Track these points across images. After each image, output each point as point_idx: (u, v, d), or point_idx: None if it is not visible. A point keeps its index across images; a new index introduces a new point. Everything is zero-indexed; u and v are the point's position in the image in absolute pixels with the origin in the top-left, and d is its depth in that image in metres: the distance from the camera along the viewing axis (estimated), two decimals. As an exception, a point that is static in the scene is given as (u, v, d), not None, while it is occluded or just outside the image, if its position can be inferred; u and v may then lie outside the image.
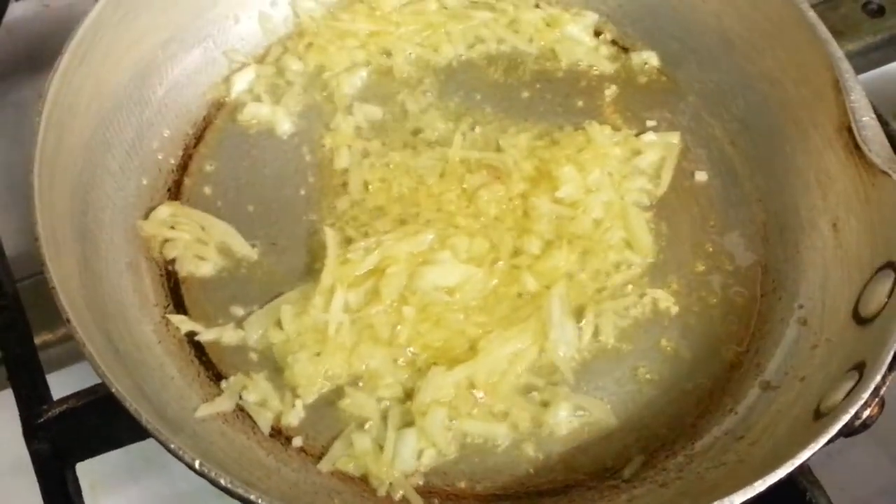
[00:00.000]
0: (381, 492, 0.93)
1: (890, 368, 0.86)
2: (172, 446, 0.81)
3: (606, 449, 0.97)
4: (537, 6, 1.29)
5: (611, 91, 1.22)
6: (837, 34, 1.11)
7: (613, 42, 1.27)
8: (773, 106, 1.15)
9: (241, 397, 0.98)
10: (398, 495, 0.93)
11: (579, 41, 1.26)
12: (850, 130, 1.01)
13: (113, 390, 0.82)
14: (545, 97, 1.22)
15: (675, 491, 0.93)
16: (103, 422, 0.94)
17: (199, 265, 1.06)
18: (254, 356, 1.01)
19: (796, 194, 1.10)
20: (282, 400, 0.98)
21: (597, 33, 1.28)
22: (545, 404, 0.98)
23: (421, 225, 1.08)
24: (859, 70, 1.20)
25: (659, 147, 1.17)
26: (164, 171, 1.13)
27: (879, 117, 1.02)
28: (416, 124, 1.18)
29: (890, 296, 0.92)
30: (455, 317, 1.02)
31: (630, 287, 1.06)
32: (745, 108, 1.18)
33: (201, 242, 1.07)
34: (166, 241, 1.07)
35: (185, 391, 0.97)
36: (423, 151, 1.15)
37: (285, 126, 1.17)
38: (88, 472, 1.00)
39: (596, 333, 1.03)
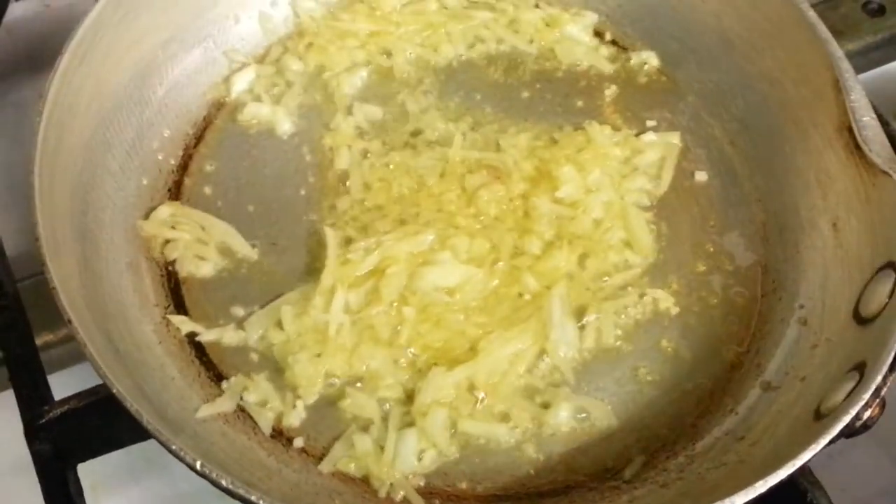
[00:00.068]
0: (382, 493, 0.93)
1: (891, 369, 0.86)
2: (173, 447, 0.81)
3: (607, 449, 0.97)
4: (537, 6, 1.29)
5: (611, 91, 1.22)
6: (837, 34, 1.11)
7: (613, 42, 1.27)
8: (772, 106, 1.15)
9: (241, 398, 0.98)
10: (399, 496, 0.93)
11: (579, 41, 1.26)
12: (850, 130, 1.01)
13: (114, 391, 0.82)
14: (545, 97, 1.22)
15: (676, 491, 0.93)
16: (104, 422, 0.95)
17: (200, 265, 1.06)
18: (254, 357, 1.01)
19: (796, 194, 1.11)
20: (283, 401, 0.98)
21: (597, 33, 1.28)
22: (546, 405, 0.98)
23: (421, 225, 1.08)
24: (859, 70, 1.20)
25: (659, 147, 1.17)
26: (164, 171, 1.13)
27: (880, 117, 1.02)
28: (416, 124, 1.18)
29: (890, 296, 0.92)
30: (455, 317, 1.02)
31: (630, 287, 1.06)
32: (744, 108, 1.18)
33: (201, 242, 1.07)
34: (167, 241, 1.07)
35: (185, 392, 0.97)
36: (423, 151, 1.15)
37: (285, 126, 1.17)
38: (90, 472, 1.00)
39: (596, 334, 1.02)
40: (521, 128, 1.18)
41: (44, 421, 0.95)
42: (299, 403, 0.97)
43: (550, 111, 1.21)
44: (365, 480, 0.94)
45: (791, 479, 0.83)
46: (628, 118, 1.20)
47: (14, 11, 1.43)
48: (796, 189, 1.11)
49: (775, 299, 1.06)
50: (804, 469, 0.91)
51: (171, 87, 1.16)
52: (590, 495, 0.94)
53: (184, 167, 1.14)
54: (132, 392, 0.84)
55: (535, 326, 1.01)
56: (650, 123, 1.20)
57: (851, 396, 0.86)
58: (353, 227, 1.08)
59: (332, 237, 1.06)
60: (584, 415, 0.98)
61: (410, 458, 0.94)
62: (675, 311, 1.05)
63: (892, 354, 0.86)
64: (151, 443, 0.83)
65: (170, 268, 1.06)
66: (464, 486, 0.95)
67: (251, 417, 0.97)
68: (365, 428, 0.96)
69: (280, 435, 0.97)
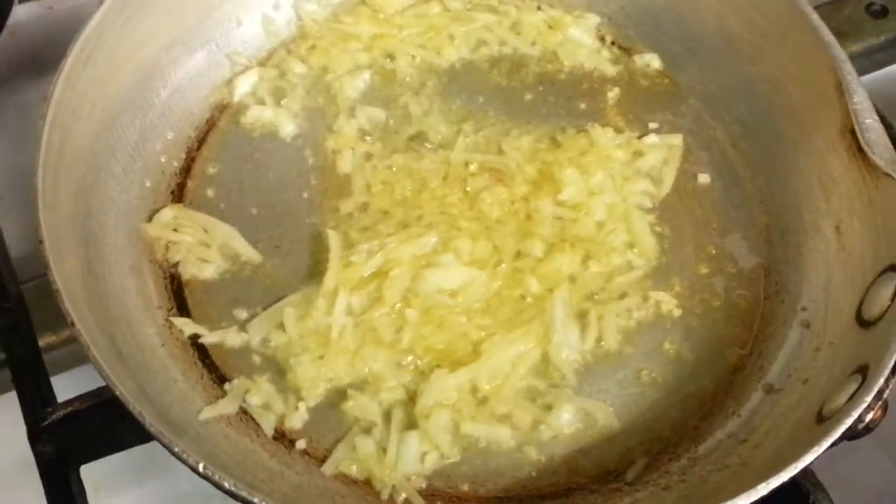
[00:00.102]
0: (385, 494, 0.93)
1: (893, 372, 0.86)
2: (176, 449, 0.81)
3: (609, 452, 0.97)
4: (539, 8, 1.29)
5: (613, 93, 1.22)
6: (841, 35, 1.11)
7: (615, 44, 1.27)
8: (775, 108, 1.15)
9: (244, 400, 0.98)
10: (401, 498, 0.93)
11: (581, 44, 1.26)
12: (853, 133, 1.01)
13: (117, 393, 0.83)
14: (548, 100, 1.22)
15: (678, 494, 0.93)
16: (107, 424, 0.95)
17: (203, 268, 1.06)
18: (257, 359, 1.01)
19: (799, 197, 1.10)
20: (285, 403, 0.98)
21: (599, 36, 1.27)
22: (548, 407, 0.98)
23: (424, 227, 1.08)
24: (862, 71, 1.20)
25: (661, 149, 1.17)
26: (167, 174, 1.13)
27: (882, 119, 1.02)
28: (418, 127, 1.18)
29: (893, 299, 0.92)
30: (458, 319, 1.02)
31: (633, 290, 1.06)
32: (747, 111, 1.18)
33: (204, 245, 1.07)
34: (169, 243, 1.07)
35: (188, 394, 0.97)
36: (425, 154, 1.15)
37: (288, 128, 1.18)
38: (92, 474, 1.00)
39: (598, 336, 1.02)
40: (523, 130, 1.18)
41: (47, 423, 0.95)
42: (302, 405, 0.97)
43: (553, 113, 1.20)
44: (367, 482, 0.94)
45: (793, 481, 0.83)
46: (631, 120, 1.20)
47: (18, 14, 1.43)
48: (799, 191, 1.11)
49: (778, 302, 1.06)
50: (806, 471, 0.91)
51: (175, 90, 1.16)
52: (592, 497, 0.94)
53: (187, 170, 1.14)
54: (135, 394, 0.85)
55: (537, 329, 1.01)
56: (652, 126, 1.20)
57: (854, 399, 0.86)
58: (356, 230, 1.08)
59: (334, 239, 1.06)
60: (586, 417, 0.98)
61: (412, 460, 0.94)
62: (677, 313, 1.05)
63: (895, 357, 0.86)
64: (154, 444, 0.83)
65: (173, 270, 1.06)
66: (465, 487, 0.95)
67: (254, 419, 0.97)
68: (367, 430, 0.96)
69: (282, 437, 0.97)
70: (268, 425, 0.96)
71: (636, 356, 1.03)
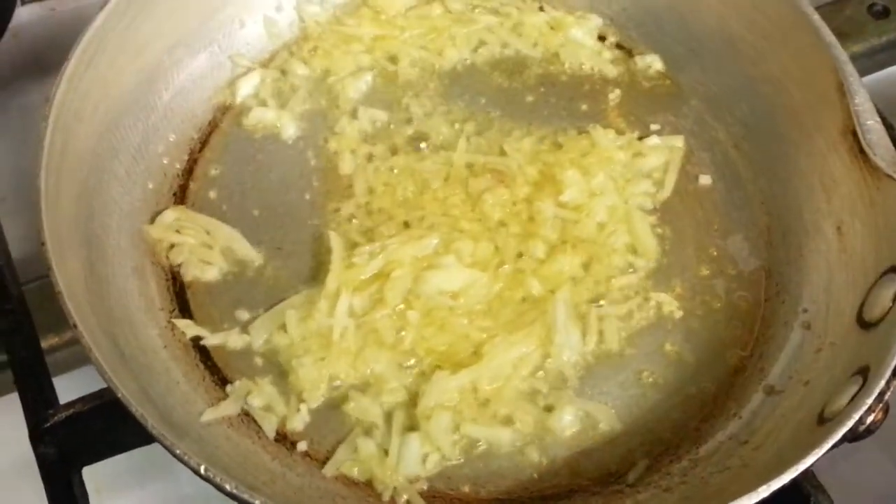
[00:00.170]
0: (386, 496, 0.93)
1: (894, 373, 0.86)
2: (178, 451, 0.81)
3: (610, 453, 0.97)
4: (541, 10, 1.29)
5: (615, 95, 1.22)
6: (842, 36, 1.11)
7: (617, 46, 1.27)
8: (776, 109, 1.15)
9: (246, 402, 0.98)
10: (402, 500, 0.93)
11: (583, 45, 1.26)
12: (854, 134, 1.01)
13: (119, 395, 0.83)
14: (549, 101, 1.22)
15: (680, 496, 0.93)
16: (109, 426, 0.95)
17: (205, 269, 1.06)
18: (259, 361, 1.01)
19: (800, 198, 1.10)
20: (287, 404, 0.98)
21: (601, 37, 1.27)
22: (549, 409, 0.98)
23: (425, 229, 1.08)
24: (864, 72, 1.20)
25: (662, 151, 1.17)
26: (169, 176, 1.13)
27: (884, 120, 1.02)
28: (420, 128, 1.18)
29: (894, 300, 0.92)
30: (459, 321, 1.02)
31: (634, 291, 1.06)
32: (748, 112, 1.18)
33: (206, 247, 1.08)
34: (172, 245, 1.07)
35: (190, 395, 0.98)
36: (427, 155, 1.15)
37: (290, 130, 1.18)
38: (94, 476, 1.01)
39: (600, 338, 1.03)
40: (525, 131, 1.18)
41: (49, 424, 0.95)
42: (303, 407, 0.97)
43: (555, 115, 1.21)
44: (368, 484, 0.94)
45: (794, 483, 0.83)
46: (632, 122, 1.20)
47: (20, 16, 1.44)
48: (800, 193, 1.10)
49: (779, 303, 1.06)
50: (808, 473, 0.91)
51: (177, 92, 1.16)
52: (593, 499, 0.94)
53: (189, 172, 1.14)
54: (137, 396, 0.85)
55: (538, 330, 1.01)
56: (654, 127, 1.20)
57: (855, 401, 0.86)
58: (358, 231, 1.09)
59: (336, 241, 1.06)
60: (587, 418, 0.98)
61: (414, 461, 0.94)
62: (678, 314, 1.05)
63: (896, 359, 0.86)
64: (156, 446, 0.83)
65: (175, 272, 1.07)
66: (467, 489, 0.95)
67: (255, 421, 0.97)
68: (368, 432, 0.96)
69: (284, 439, 0.97)
70: (269, 427, 0.97)
71: (637, 358, 1.03)
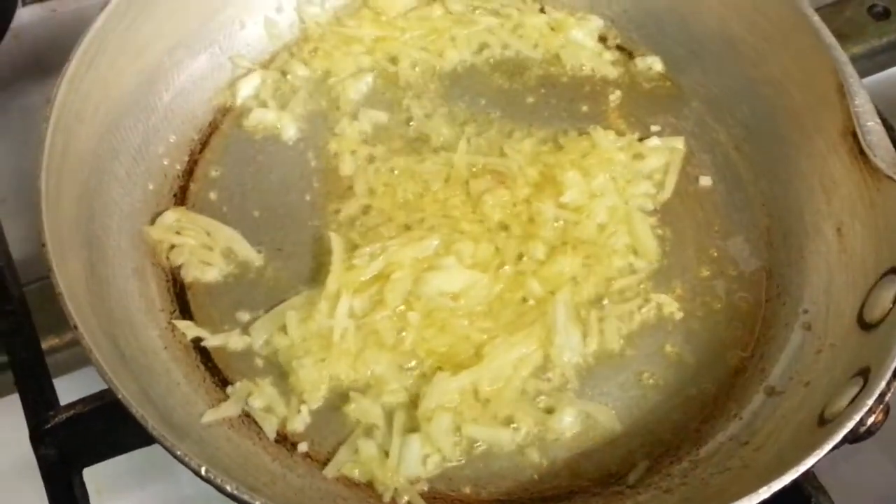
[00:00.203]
0: (387, 497, 0.93)
1: (895, 375, 0.86)
2: (178, 452, 0.81)
3: (611, 455, 0.97)
4: (542, 11, 1.29)
5: (615, 96, 1.22)
6: (842, 37, 1.11)
7: (618, 47, 1.27)
8: (777, 111, 1.15)
9: (246, 403, 0.98)
10: (403, 501, 0.93)
11: (584, 46, 1.26)
12: (854, 135, 1.01)
13: (119, 396, 0.83)
14: (550, 102, 1.22)
15: (680, 497, 0.93)
16: (110, 427, 0.95)
17: (205, 270, 1.06)
18: (259, 362, 1.01)
19: (801, 199, 1.10)
20: (287, 405, 0.98)
21: (601, 38, 1.28)
22: (550, 410, 0.98)
23: (426, 230, 1.08)
24: (864, 73, 1.20)
25: (663, 152, 1.17)
26: (169, 177, 1.13)
27: (884, 122, 1.02)
28: (421, 130, 1.18)
29: (894, 301, 0.92)
30: (460, 322, 1.02)
31: (634, 292, 1.06)
32: (749, 113, 1.18)
33: (207, 248, 1.08)
34: (172, 246, 1.07)
35: (190, 397, 0.98)
36: (428, 157, 1.15)
37: (291, 132, 1.18)
38: (95, 477, 1.01)
39: (600, 339, 1.03)
40: (525, 133, 1.18)
41: (49, 426, 0.95)
42: (304, 408, 0.97)
43: (555, 116, 1.21)
44: (369, 485, 0.94)
45: (795, 484, 0.83)
46: (633, 123, 1.20)
47: (21, 17, 1.44)
48: (801, 194, 1.11)
49: (779, 304, 1.06)
50: (808, 474, 0.91)
51: (177, 93, 1.16)
52: (593, 500, 0.95)
53: (189, 173, 1.14)
54: (137, 397, 0.85)
55: (539, 331, 1.02)
56: (654, 128, 1.20)
57: (855, 402, 0.86)
58: (358, 233, 1.09)
59: (337, 242, 1.06)
60: (587, 420, 0.99)
61: (415, 462, 0.94)
62: (678, 315, 1.05)
63: (897, 360, 0.86)
64: (156, 447, 0.83)
65: (175, 273, 1.07)
66: (468, 490, 0.95)
67: (256, 422, 0.97)
68: (369, 433, 0.96)
69: (284, 440, 0.97)
70: (270, 428, 0.97)
71: (638, 359, 1.03)
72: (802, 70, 1.10)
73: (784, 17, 1.11)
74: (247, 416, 0.98)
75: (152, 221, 1.08)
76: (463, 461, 0.96)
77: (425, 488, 0.94)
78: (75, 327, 0.85)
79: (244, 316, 1.04)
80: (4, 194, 1.29)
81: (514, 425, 0.97)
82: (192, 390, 0.98)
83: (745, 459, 0.94)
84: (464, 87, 1.23)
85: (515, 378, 0.99)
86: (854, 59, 1.05)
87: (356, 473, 0.94)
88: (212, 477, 0.80)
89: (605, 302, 1.05)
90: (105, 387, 0.84)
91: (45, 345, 1.05)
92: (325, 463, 0.96)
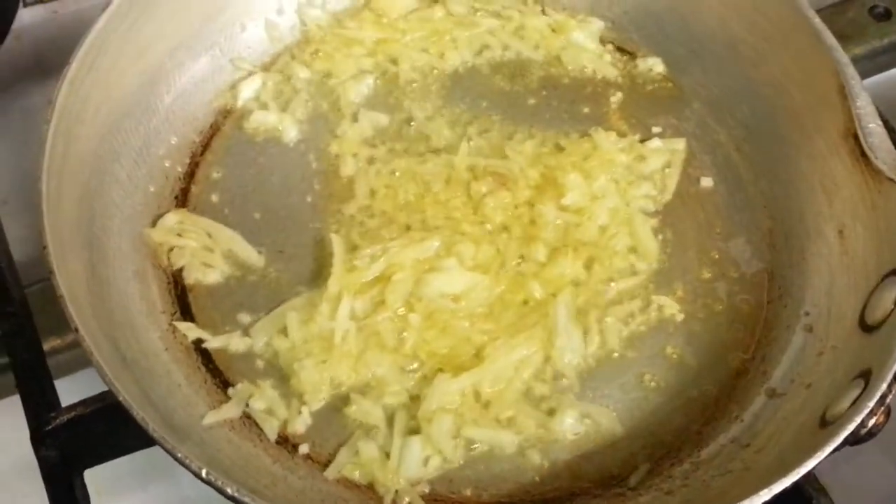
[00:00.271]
0: (388, 499, 0.93)
1: (896, 377, 0.86)
2: (179, 455, 0.81)
3: (612, 456, 0.97)
4: (543, 13, 1.29)
5: (616, 97, 1.22)
6: (844, 38, 1.11)
7: (619, 48, 1.27)
8: (778, 112, 1.15)
9: (247, 405, 0.98)
10: (404, 503, 0.93)
11: (585, 48, 1.26)
12: (855, 137, 1.01)
13: (120, 398, 0.83)
14: (551, 104, 1.22)
15: (681, 499, 0.93)
16: (111, 429, 0.95)
17: (206, 272, 1.06)
18: (260, 363, 1.01)
19: (802, 201, 1.10)
20: (288, 407, 0.98)
21: (602, 40, 1.28)
22: (551, 412, 0.98)
23: (427, 232, 1.08)
24: (866, 74, 1.20)
25: (664, 153, 1.17)
26: (170, 179, 1.13)
27: (885, 123, 1.02)
28: (422, 131, 1.18)
29: (896, 303, 0.92)
30: (461, 324, 1.02)
31: (635, 294, 1.06)
32: (750, 114, 1.18)
33: (208, 250, 1.08)
34: (173, 248, 1.07)
35: (191, 398, 0.98)
36: (429, 158, 1.15)
37: (292, 133, 1.18)
38: (96, 478, 1.01)
39: (601, 340, 1.03)
40: (526, 134, 1.18)
41: (50, 427, 0.95)
42: (305, 410, 0.97)
43: (556, 118, 1.20)
44: (370, 487, 0.94)
45: (796, 486, 0.83)
46: (634, 124, 1.20)
47: (22, 18, 1.44)
48: (802, 195, 1.10)
49: (781, 306, 1.06)
50: (809, 476, 0.91)
51: (178, 95, 1.16)
52: (595, 503, 0.94)
53: (190, 175, 1.14)
54: (138, 399, 0.85)
55: (540, 333, 1.01)
56: (656, 130, 1.20)
57: (857, 404, 0.86)
58: (359, 234, 1.09)
59: (338, 244, 1.06)
60: (589, 421, 0.98)
61: (415, 464, 0.94)
62: (680, 317, 1.05)
63: (898, 362, 0.86)
64: (157, 449, 0.83)
65: (176, 275, 1.07)
66: (468, 492, 0.95)
67: (257, 424, 0.97)
68: (370, 434, 0.96)
69: (285, 441, 0.97)
70: (271, 430, 0.97)
71: (639, 360, 1.03)
72: (803, 71, 1.10)
73: (784, 17, 1.11)
74: (248, 418, 0.98)
75: (153, 223, 1.08)
76: (464, 463, 0.96)
77: (426, 490, 0.94)
78: (76, 330, 0.85)
79: (245, 318, 1.04)
80: (5, 195, 1.29)
81: (515, 427, 0.97)
82: (192, 392, 0.98)
83: (746, 461, 0.94)
84: (465, 88, 1.23)
85: (516, 380, 0.99)
86: (855, 61, 1.05)
87: (357, 475, 0.94)
88: (213, 479, 0.80)
89: (607, 304, 1.05)
90: (106, 388, 0.84)
91: (46, 346, 1.05)
92: (326, 465, 0.95)
